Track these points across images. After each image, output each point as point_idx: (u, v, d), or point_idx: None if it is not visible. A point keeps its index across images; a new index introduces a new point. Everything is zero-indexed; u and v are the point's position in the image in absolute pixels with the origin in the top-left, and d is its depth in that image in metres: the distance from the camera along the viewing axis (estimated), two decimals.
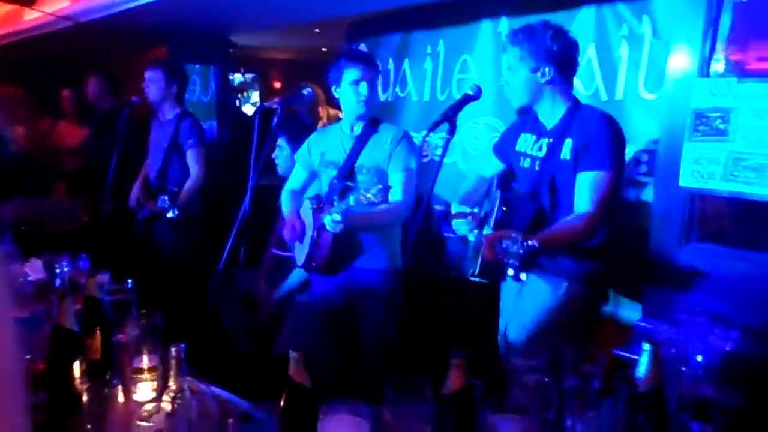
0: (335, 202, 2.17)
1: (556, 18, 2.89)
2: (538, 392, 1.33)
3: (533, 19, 3.00)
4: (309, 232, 2.40)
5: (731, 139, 1.74)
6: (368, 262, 2.40)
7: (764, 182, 1.68)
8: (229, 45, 5.11)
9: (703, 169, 1.81)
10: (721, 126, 1.73)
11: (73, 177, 4.32)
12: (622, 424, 1.24)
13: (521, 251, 1.52)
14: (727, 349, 1.58)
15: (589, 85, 2.80)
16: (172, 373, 1.47)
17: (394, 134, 2.33)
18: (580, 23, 2.84)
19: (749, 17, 1.71)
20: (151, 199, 3.36)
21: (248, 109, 8.51)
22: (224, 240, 2.33)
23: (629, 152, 2.32)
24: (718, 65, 1.78)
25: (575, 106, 1.94)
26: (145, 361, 1.52)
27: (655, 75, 2.55)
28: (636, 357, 1.30)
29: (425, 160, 3.54)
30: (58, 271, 2.13)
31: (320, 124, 4.14)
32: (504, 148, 2.23)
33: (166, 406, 1.35)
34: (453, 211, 2.23)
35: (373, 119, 2.45)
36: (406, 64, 3.70)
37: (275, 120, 2.40)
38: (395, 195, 2.23)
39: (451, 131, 1.84)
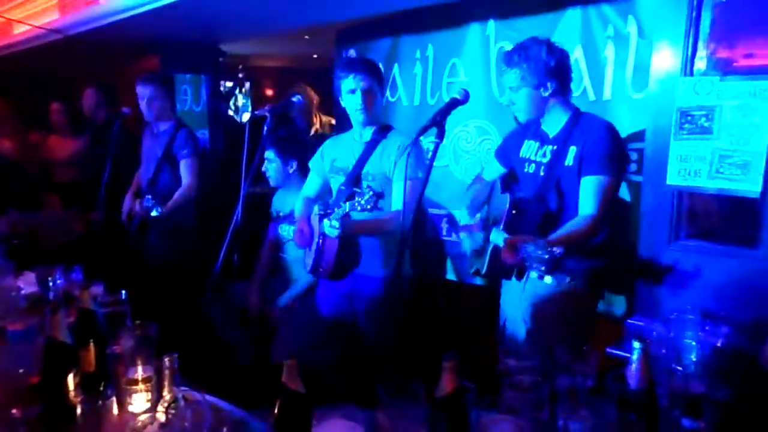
0: (335, 209, 2.20)
1: (543, 20, 2.93)
2: (531, 393, 1.34)
3: (521, 21, 3.07)
4: (317, 238, 2.42)
5: (716, 137, 1.76)
6: (375, 269, 2.40)
7: (749, 178, 1.70)
8: (219, 54, 5.12)
9: (689, 167, 1.83)
10: (706, 124, 1.75)
11: (66, 189, 4.31)
12: (614, 423, 1.26)
13: (547, 256, 1.59)
14: (718, 345, 1.59)
15: (577, 85, 2.82)
16: (166, 383, 1.47)
17: (401, 142, 2.31)
18: (566, 25, 2.87)
19: (729, 17, 1.74)
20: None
21: (244, 118, 8.54)
22: (218, 249, 2.33)
23: None
24: (700, 64, 1.80)
25: (576, 114, 2.07)
26: (140, 372, 1.53)
27: (641, 75, 2.58)
28: (628, 355, 1.31)
29: None
30: (51, 284, 2.13)
31: (313, 129, 4.16)
32: (507, 153, 2.33)
33: (161, 416, 1.36)
34: (461, 224, 2.41)
35: (384, 126, 2.45)
36: (395, 69, 3.72)
37: (266, 128, 2.40)
38: (396, 204, 2.23)
39: (440, 135, 1.86)
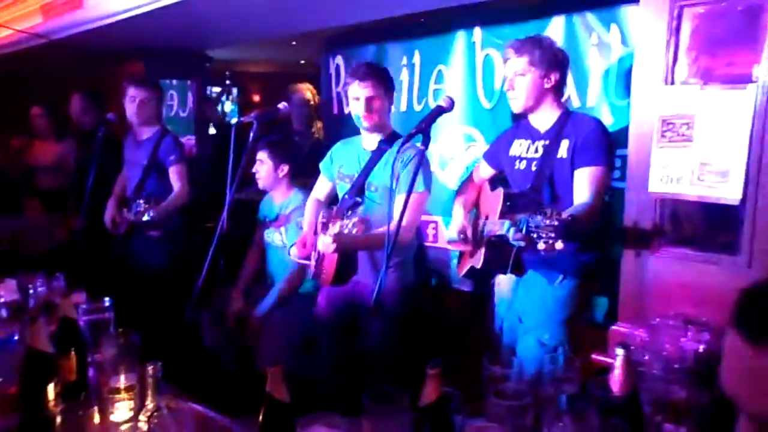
0: (330, 225, 2.20)
1: (529, 27, 2.96)
2: (515, 400, 1.34)
3: (507, 29, 3.09)
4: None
5: (697, 145, 1.78)
6: (372, 276, 2.39)
7: (729, 185, 1.72)
8: (206, 59, 5.10)
9: (671, 174, 1.85)
10: (687, 132, 1.78)
11: (48, 195, 4.26)
12: (597, 429, 1.26)
13: (556, 222, 1.59)
14: (699, 350, 1.61)
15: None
16: (149, 391, 1.46)
17: (406, 154, 2.25)
18: (551, 32, 2.90)
19: (708, 27, 1.76)
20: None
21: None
22: (204, 256, 2.31)
23: None
24: (681, 72, 1.83)
25: (567, 111, 2.16)
26: (122, 381, 1.51)
27: (624, 82, 2.62)
28: (612, 361, 1.32)
29: None
30: (32, 291, 2.10)
31: (313, 130, 4.13)
32: (496, 153, 2.38)
33: (143, 425, 1.34)
34: (447, 239, 2.46)
35: (392, 134, 2.43)
36: None
37: (252, 134, 2.39)
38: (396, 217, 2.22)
39: (425, 143, 1.87)
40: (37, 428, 1.40)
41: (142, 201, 3.06)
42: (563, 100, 2.25)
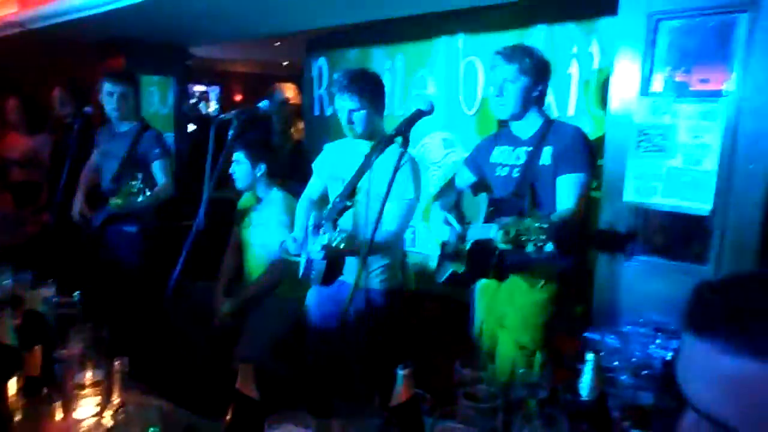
0: (312, 236, 2.20)
1: (511, 35, 3.00)
2: (485, 403, 1.35)
3: (489, 36, 3.12)
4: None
5: (670, 156, 1.81)
6: (363, 279, 2.33)
7: (700, 196, 1.75)
8: (187, 56, 5.06)
9: (645, 184, 1.88)
10: (661, 142, 1.81)
11: (20, 188, 4.17)
12: None
13: (546, 225, 1.59)
14: (667, 358, 1.63)
15: None
16: (115, 387, 1.43)
17: (396, 159, 2.14)
18: (532, 41, 2.93)
19: (683, 41, 1.80)
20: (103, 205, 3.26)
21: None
22: (179, 254, 2.28)
23: None
24: (657, 84, 1.86)
25: (549, 120, 2.18)
26: (88, 376, 1.47)
27: (603, 92, 2.66)
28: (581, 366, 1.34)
29: None
30: None
31: (293, 131, 4.10)
32: (477, 160, 2.38)
33: (108, 421, 1.32)
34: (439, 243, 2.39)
35: (385, 138, 2.41)
36: None
37: (231, 132, 2.37)
38: (386, 224, 2.21)
39: (405, 145, 1.87)
40: None
41: (138, 182, 2.94)
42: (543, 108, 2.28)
